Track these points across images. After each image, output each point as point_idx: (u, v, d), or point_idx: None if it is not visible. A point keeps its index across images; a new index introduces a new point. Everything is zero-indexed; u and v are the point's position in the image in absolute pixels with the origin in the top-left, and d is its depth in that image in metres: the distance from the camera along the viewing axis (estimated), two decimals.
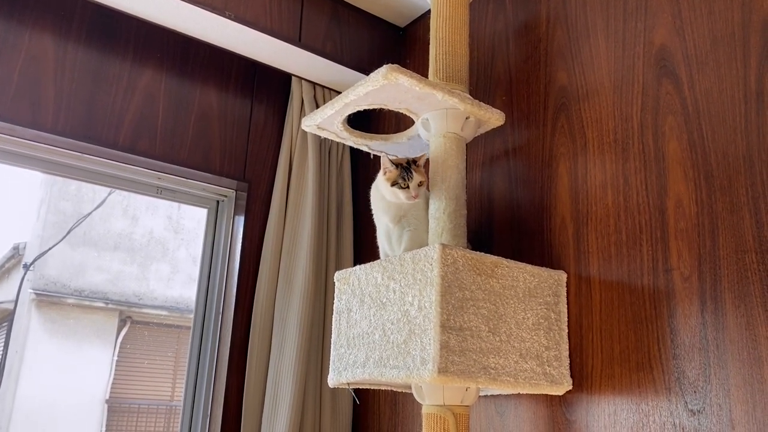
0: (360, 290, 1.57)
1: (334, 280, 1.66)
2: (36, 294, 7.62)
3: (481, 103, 1.68)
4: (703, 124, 1.40)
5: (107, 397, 7.98)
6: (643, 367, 1.39)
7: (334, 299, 2.12)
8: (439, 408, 1.47)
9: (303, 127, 1.82)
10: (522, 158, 1.80)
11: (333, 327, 1.63)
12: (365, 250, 2.29)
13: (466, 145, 1.77)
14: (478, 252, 1.45)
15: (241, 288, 2.17)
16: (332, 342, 1.62)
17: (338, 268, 2.26)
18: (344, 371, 1.55)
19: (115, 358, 8.25)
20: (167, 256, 8.77)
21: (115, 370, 8.17)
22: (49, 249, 7.83)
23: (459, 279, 1.39)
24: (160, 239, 8.85)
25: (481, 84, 1.99)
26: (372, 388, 1.68)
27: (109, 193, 8.08)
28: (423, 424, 1.50)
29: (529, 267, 1.53)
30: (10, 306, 7.87)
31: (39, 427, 7.18)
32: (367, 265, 1.56)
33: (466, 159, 1.83)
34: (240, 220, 2.25)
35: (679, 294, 1.36)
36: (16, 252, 8.27)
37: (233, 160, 2.25)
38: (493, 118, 1.72)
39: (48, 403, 7.30)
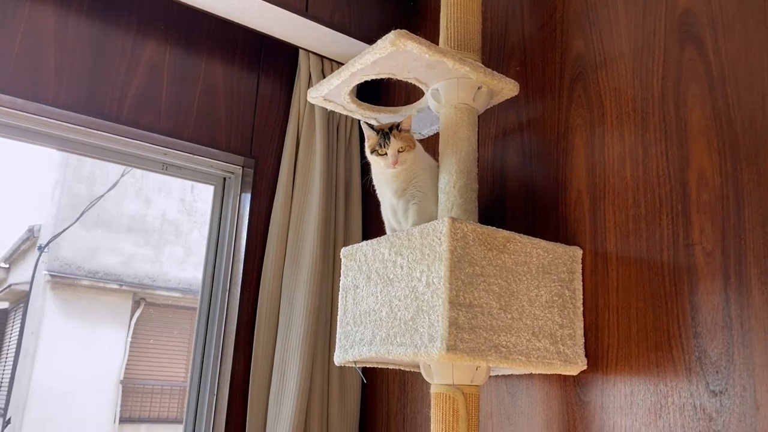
0: (367, 266, 1.52)
1: (341, 257, 1.61)
2: (51, 276, 7.66)
3: (494, 72, 1.61)
4: (729, 91, 1.32)
5: (122, 378, 8.05)
6: (662, 346, 1.33)
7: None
8: (447, 387, 1.42)
9: (309, 99, 1.77)
10: (536, 131, 1.73)
11: (339, 304, 1.58)
12: (374, 227, 2.23)
13: (478, 118, 1.70)
14: (489, 226, 1.39)
15: (248, 267, 2.13)
16: (338, 319, 1.57)
17: (346, 244, 2.21)
18: (350, 349, 1.50)
19: (129, 339, 8.30)
20: (180, 238, 8.79)
21: (130, 351, 8.23)
22: (63, 231, 7.86)
23: (469, 254, 1.33)
24: (174, 221, 8.86)
25: (494, 54, 1.92)
26: (380, 367, 1.63)
27: (122, 175, 8.09)
28: (431, 404, 1.45)
29: (542, 242, 1.46)
30: (26, 287, 7.94)
31: (55, 407, 7.25)
32: (374, 240, 1.51)
33: (478, 133, 1.76)
34: (246, 198, 2.20)
35: (701, 270, 1.30)
36: (32, 234, 8.32)
37: (239, 136, 2.20)
38: (507, 88, 1.65)
39: (64, 383, 7.37)
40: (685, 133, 1.38)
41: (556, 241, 1.54)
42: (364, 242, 1.55)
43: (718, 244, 1.28)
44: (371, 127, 1.62)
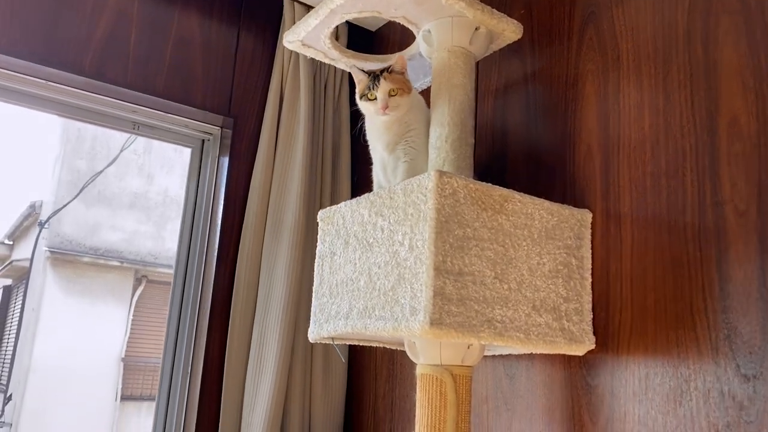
0: (345, 230, 1.33)
1: (318, 220, 1.43)
2: (51, 252, 7.54)
3: (494, 10, 1.41)
4: None
5: (123, 356, 7.95)
6: (684, 322, 1.14)
7: None
8: (435, 368, 1.24)
9: (285, 43, 1.57)
10: (543, 81, 1.53)
11: (315, 274, 1.40)
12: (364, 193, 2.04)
13: (477, 67, 1.50)
14: (484, 183, 1.20)
15: (225, 236, 1.95)
16: (314, 291, 1.39)
17: None
18: (325, 324, 1.32)
19: (131, 316, 8.20)
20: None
21: (131, 328, 8.13)
22: (63, 207, 7.73)
23: (459, 214, 1.14)
24: (176, 198, 8.71)
25: None
26: (365, 345, 1.45)
27: (121, 150, 7.93)
28: (417, 386, 1.27)
29: (546, 203, 1.27)
30: (27, 264, 7.83)
31: (56, 384, 7.17)
32: (353, 200, 1.32)
33: (477, 85, 1.57)
34: (225, 161, 2.01)
35: (732, 232, 1.10)
36: (33, 210, 8.20)
37: (217, 94, 2.00)
38: (509, 29, 1.45)
39: (65, 361, 7.28)
40: (714, 74, 1.18)
41: (563, 203, 1.35)
42: (343, 203, 1.36)
43: (753, 201, 1.08)
44: (362, 70, 1.43)
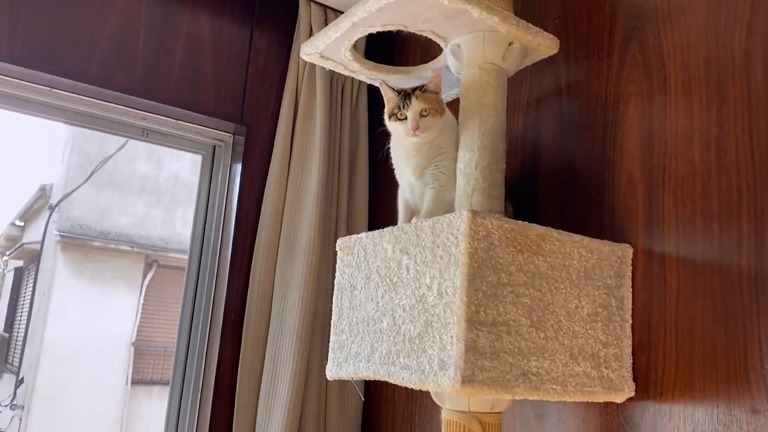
0: (366, 264, 1.24)
1: (337, 249, 1.34)
2: (61, 236, 7.51)
3: (530, 24, 1.30)
4: None
5: (134, 340, 7.96)
6: (738, 378, 1.05)
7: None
8: (462, 415, 1.16)
9: (303, 55, 1.47)
10: (578, 98, 1.42)
11: (333, 306, 1.31)
12: (382, 207, 1.95)
13: (507, 81, 1.39)
14: (520, 222, 1.10)
15: (238, 249, 1.87)
16: (332, 324, 1.31)
17: (349, 229, 1.93)
18: (345, 363, 1.24)
19: (141, 301, 8.18)
20: (193, 200, 8.59)
21: (141, 313, 8.12)
22: (73, 191, 7.68)
23: (493, 258, 1.05)
24: (186, 183, 8.64)
25: (527, 5, 1.59)
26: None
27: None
28: (442, 430, 1.19)
29: (585, 240, 1.17)
30: (38, 247, 7.82)
31: (67, 368, 7.18)
32: (376, 232, 1.23)
33: (506, 99, 1.46)
34: (237, 169, 1.92)
35: None
36: (43, 193, 8.17)
37: (229, 99, 1.91)
38: (544, 44, 1.34)
39: (75, 345, 7.28)
40: None
41: (600, 235, 1.25)
42: (364, 234, 1.27)
43: None
44: (392, 88, 1.33)
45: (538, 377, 1.06)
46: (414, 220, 1.40)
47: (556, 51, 1.37)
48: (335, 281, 1.32)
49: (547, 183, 1.45)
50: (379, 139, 1.99)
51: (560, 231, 1.14)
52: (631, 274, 1.23)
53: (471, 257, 1.02)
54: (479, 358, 1.00)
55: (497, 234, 1.06)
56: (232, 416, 1.74)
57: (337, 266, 1.33)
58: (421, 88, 1.29)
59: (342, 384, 1.82)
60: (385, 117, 1.33)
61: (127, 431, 7.72)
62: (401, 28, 1.32)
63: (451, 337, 1.00)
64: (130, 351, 7.94)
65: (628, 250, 1.23)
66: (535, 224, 1.11)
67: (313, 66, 1.92)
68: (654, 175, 1.23)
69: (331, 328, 1.30)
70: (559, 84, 1.47)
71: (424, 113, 1.27)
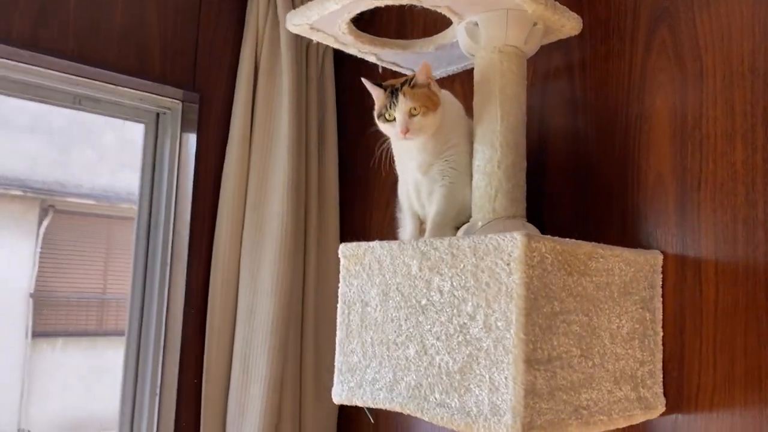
0: (383, 278, 1.09)
1: (339, 256, 1.18)
2: None
3: (557, 3, 1.16)
4: None
5: (32, 291, 7.42)
6: None
7: (315, 254, 1.66)
8: None
9: (289, 26, 1.25)
10: (595, 85, 1.30)
11: (339, 321, 1.16)
12: (351, 182, 1.79)
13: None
14: (569, 240, 0.99)
15: (196, 233, 1.66)
16: (338, 341, 1.16)
17: (321, 205, 1.76)
18: (358, 389, 1.11)
19: (39, 249, 7.60)
20: (91, 140, 7.92)
21: (39, 262, 7.55)
22: None
23: (547, 286, 0.93)
24: (83, 121, 7.94)
25: None
26: None
27: None
28: None
29: (625, 253, 1.08)
30: None
31: None
32: (394, 244, 1.08)
33: None
34: (190, 139, 1.69)
35: None
36: None
37: (178, 61, 1.65)
38: (568, 25, 1.20)
39: None
40: None
41: (622, 241, 1.17)
42: (377, 243, 1.11)
43: None
44: (379, 85, 1.15)
45: (588, 411, 0.98)
46: (418, 221, 1.26)
47: (579, 31, 1.24)
48: (339, 291, 1.17)
49: (557, 180, 1.34)
50: (349, 103, 1.81)
51: (603, 245, 1.05)
52: (661, 282, 1.16)
53: (528, 288, 0.90)
54: (537, 401, 0.90)
55: (550, 258, 0.94)
56: (200, 416, 1.59)
57: (340, 275, 1.17)
58: (410, 83, 1.13)
59: (318, 380, 1.69)
60: (375, 116, 1.17)
61: (29, 385, 7.31)
62: (414, 2, 1.13)
63: (506, 378, 0.89)
64: (29, 302, 7.42)
65: (658, 257, 1.16)
66: (581, 241, 1.01)
67: (275, 20, 1.68)
68: (688, 175, 1.15)
69: (337, 346, 1.16)
70: (571, 68, 1.35)
71: (414, 112, 1.12)
